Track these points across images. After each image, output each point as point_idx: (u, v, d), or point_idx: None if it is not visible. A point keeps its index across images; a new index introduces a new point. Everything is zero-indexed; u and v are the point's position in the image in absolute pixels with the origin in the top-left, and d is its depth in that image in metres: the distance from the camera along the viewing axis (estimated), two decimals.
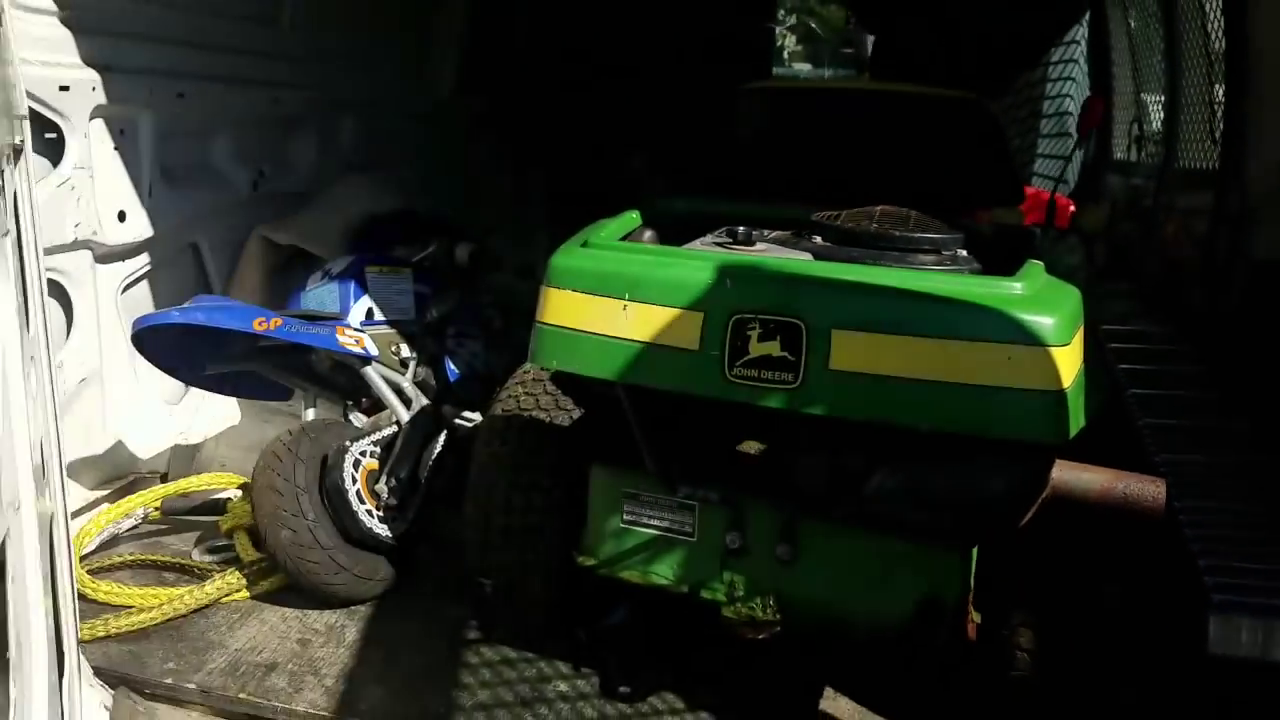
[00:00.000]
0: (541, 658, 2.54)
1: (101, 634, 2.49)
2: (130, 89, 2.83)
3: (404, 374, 3.07)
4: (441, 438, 3.03)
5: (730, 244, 2.28)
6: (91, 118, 2.73)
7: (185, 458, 3.25)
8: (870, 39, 4.79)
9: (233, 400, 3.48)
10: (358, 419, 3.16)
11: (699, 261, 2.08)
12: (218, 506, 3.07)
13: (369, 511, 2.72)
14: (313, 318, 2.93)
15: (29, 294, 1.67)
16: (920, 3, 5.75)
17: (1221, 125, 4.29)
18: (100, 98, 2.73)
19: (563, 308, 2.13)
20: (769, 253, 2.23)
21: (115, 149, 2.84)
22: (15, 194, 1.62)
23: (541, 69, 6.15)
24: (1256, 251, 3.81)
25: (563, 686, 2.43)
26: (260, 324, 2.68)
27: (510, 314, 3.68)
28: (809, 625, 2.21)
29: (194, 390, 3.30)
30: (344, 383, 3.17)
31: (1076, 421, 1.86)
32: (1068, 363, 1.86)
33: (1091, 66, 6.58)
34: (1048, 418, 1.84)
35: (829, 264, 2.07)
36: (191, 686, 2.35)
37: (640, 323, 2.04)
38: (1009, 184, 3.04)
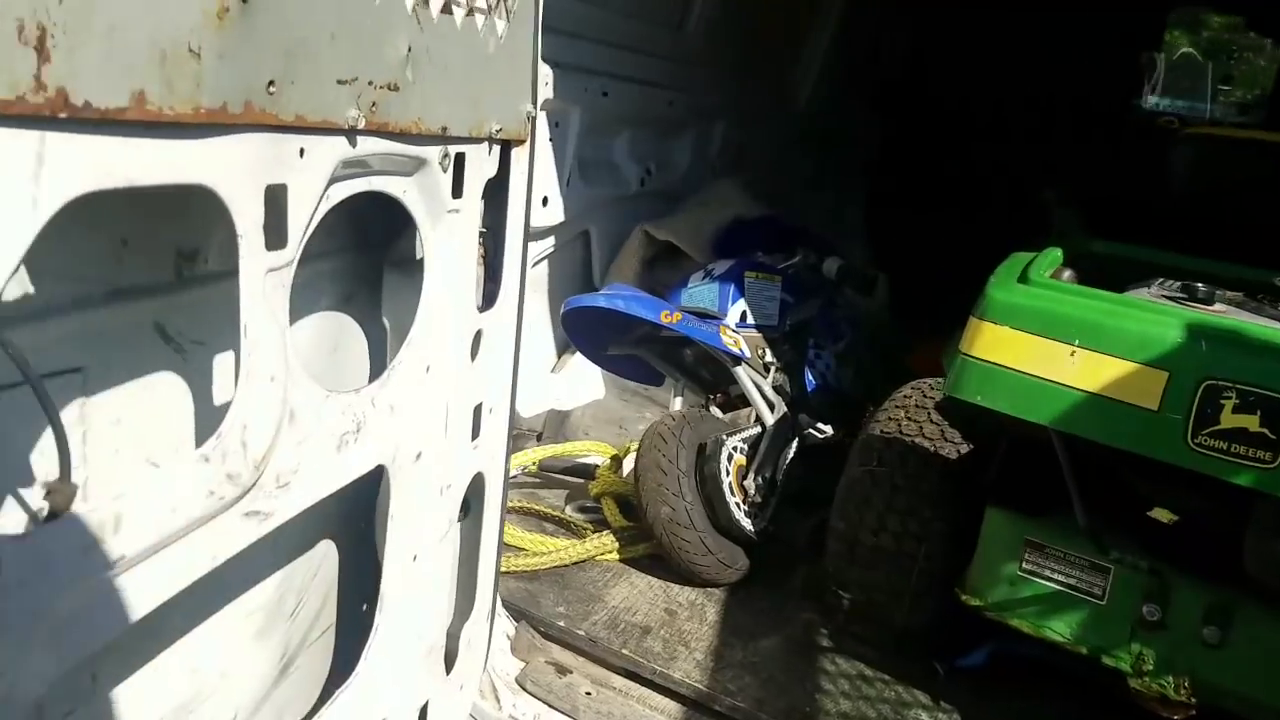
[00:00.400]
0: (899, 682, 2.54)
1: (502, 570, 2.78)
2: (571, 85, 3.10)
3: (766, 378, 3.17)
4: (794, 445, 3.10)
5: (1186, 300, 2.13)
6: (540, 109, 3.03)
7: (557, 422, 3.56)
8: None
9: (599, 377, 3.76)
10: (716, 412, 3.30)
11: (1164, 316, 1.96)
12: (587, 470, 3.34)
13: (737, 504, 2.84)
14: (702, 315, 3.09)
15: (505, 277, 1.87)
16: None
17: None
18: (549, 92, 3.02)
19: (998, 343, 2.09)
20: (1230, 314, 2.07)
21: (550, 140, 3.13)
22: (510, 181, 1.82)
23: (901, 96, 6.05)
24: None
25: (924, 717, 2.42)
26: (666, 316, 2.87)
27: (860, 331, 3.69)
28: (1226, 713, 2.05)
29: (571, 363, 3.59)
30: (708, 377, 3.32)
31: None
32: None
33: None
34: None
35: None
36: (581, 633, 2.57)
37: (1088, 371, 1.97)
38: None
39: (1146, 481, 2.12)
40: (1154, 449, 1.91)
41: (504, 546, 2.86)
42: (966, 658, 2.63)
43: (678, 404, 3.27)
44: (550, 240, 3.44)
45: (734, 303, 3.20)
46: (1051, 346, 2.02)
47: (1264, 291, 2.23)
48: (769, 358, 3.22)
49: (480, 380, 1.87)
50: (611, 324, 3.00)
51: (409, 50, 1.35)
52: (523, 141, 1.85)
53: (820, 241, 3.75)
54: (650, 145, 3.91)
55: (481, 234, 1.79)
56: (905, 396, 2.73)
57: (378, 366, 1.96)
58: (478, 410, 1.88)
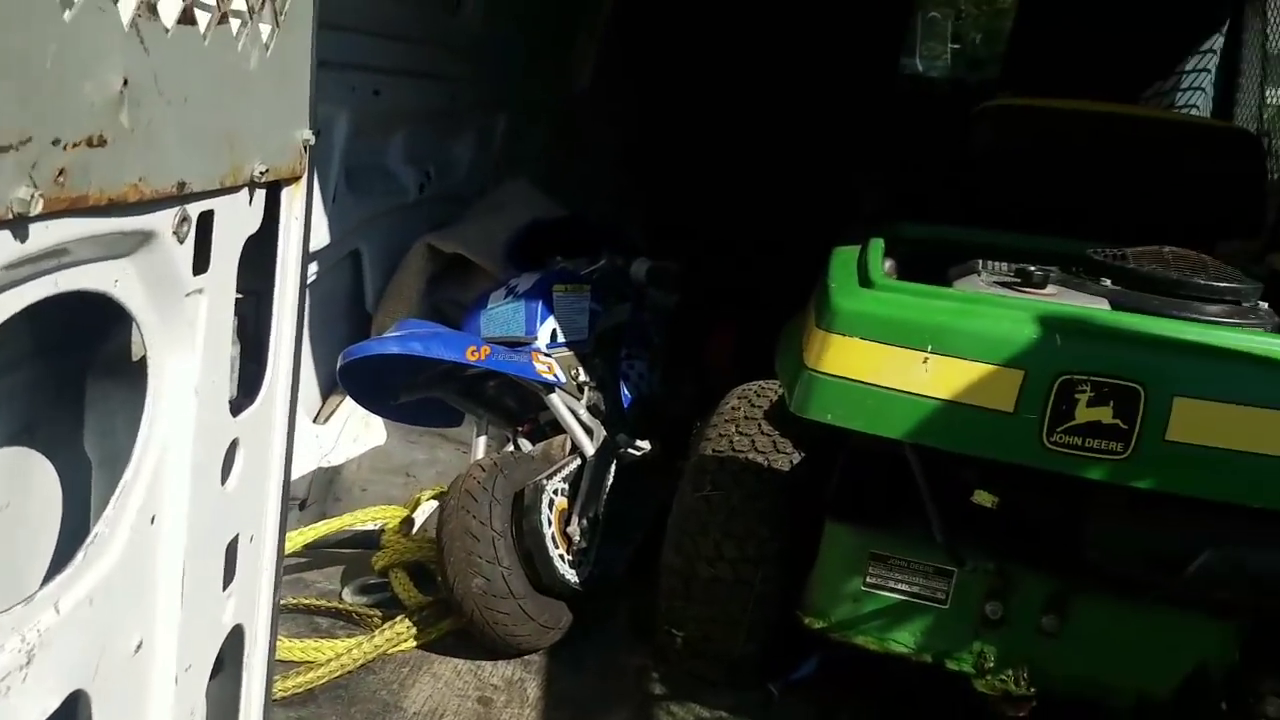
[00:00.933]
0: (734, 716, 2.40)
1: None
2: (336, 86, 2.67)
3: (580, 400, 2.93)
4: (613, 470, 2.89)
5: (1019, 285, 2.15)
6: None
7: (325, 482, 3.08)
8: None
9: (377, 420, 3.31)
10: (525, 445, 3.01)
11: (1015, 311, 1.96)
12: (367, 538, 2.90)
13: (561, 556, 2.56)
14: (510, 343, 2.79)
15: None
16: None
17: None
18: None
19: (847, 356, 2.01)
20: (1063, 296, 2.11)
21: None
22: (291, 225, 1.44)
23: (671, 68, 5.93)
24: None
25: None
26: (473, 353, 2.54)
27: (669, 333, 3.55)
28: (1066, 697, 2.10)
29: (341, 408, 3.13)
30: (513, 406, 3.02)
31: None
32: None
33: (1218, 80, 6.48)
34: None
35: (1173, 322, 1.95)
36: None
37: (941, 378, 1.93)
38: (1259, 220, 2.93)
39: (989, 484, 2.13)
40: (1010, 452, 1.90)
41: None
42: (796, 672, 2.55)
43: (481, 444, 2.93)
44: (312, 267, 2.97)
45: (543, 322, 2.91)
46: (903, 355, 1.96)
47: (1078, 264, 2.28)
48: (582, 377, 2.96)
49: (235, 508, 1.40)
50: (400, 368, 2.62)
51: (124, 85, 0.93)
52: (297, 178, 1.45)
53: (623, 240, 3.54)
54: (429, 146, 3.50)
55: (238, 299, 1.38)
56: (733, 409, 2.61)
57: (74, 519, 1.43)
58: (232, 548, 1.41)
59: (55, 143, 0.85)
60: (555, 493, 2.62)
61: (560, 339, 2.91)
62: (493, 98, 3.86)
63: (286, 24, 1.28)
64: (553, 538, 2.54)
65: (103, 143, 0.91)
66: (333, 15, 2.69)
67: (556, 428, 2.90)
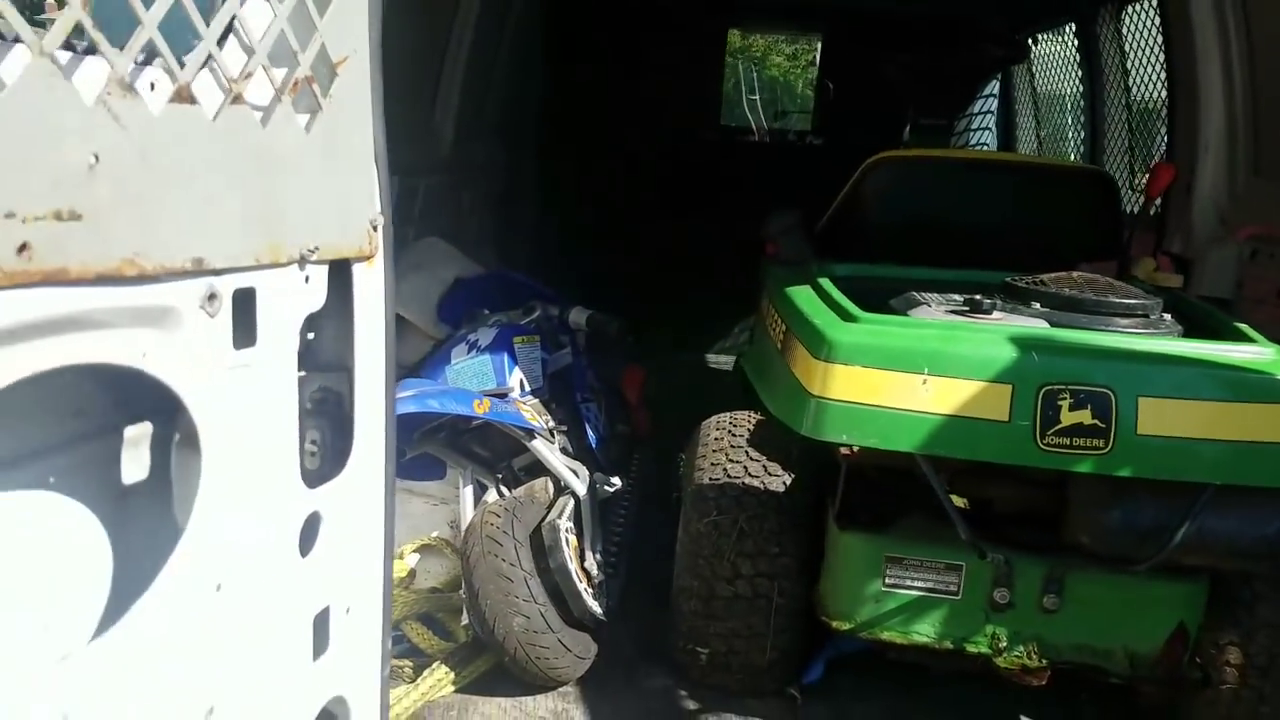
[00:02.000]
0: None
1: None
2: None
3: (554, 443, 3.03)
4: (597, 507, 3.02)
5: (970, 313, 2.43)
6: None
7: None
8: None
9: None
10: (506, 492, 3.08)
11: (992, 335, 2.23)
12: None
13: (585, 590, 2.67)
14: (500, 394, 2.86)
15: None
16: (866, 58, 6.28)
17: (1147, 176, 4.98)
18: None
19: (851, 382, 2.22)
20: (1007, 321, 2.41)
21: None
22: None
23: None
24: (1197, 289, 4.46)
25: None
26: (478, 406, 2.61)
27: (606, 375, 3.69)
28: (1072, 666, 2.39)
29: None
30: (488, 455, 3.09)
31: None
32: None
33: (1000, 120, 7.36)
34: None
35: (1127, 336, 2.28)
36: None
37: (941, 395, 2.17)
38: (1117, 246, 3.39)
39: (984, 484, 2.40)
40: (1012, 455, 2.16)
41: None
42: (808, 674, 2.77)
43: (469, 493, 2.98)
44: None
45: (511, 373, 3.01)
46: (903, 378, 2.19)
47: (1001, 292, 2.60)
48: (550, 422, 3.08)
49: (321, 579, 1.43)
50: (402, 425, 2.64)
51: (95, 160, 0.95)
52: (367, 257, 1.50)
53: (544, 292, 3.67)
54: None
55: (317, 375, 1.43)
56: (717, 439, 2.78)
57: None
58: (322, 619, 1.45)
59: (9, 216, 0.87)
60: (568, 531, 2.72)
61: (527, 388, 3.02)
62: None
63: (335, 105, 1.33)
64: (576, 573, 2.65)
65: (75, 217, 0.94)
66: None
67: (531, 472, 2.99)
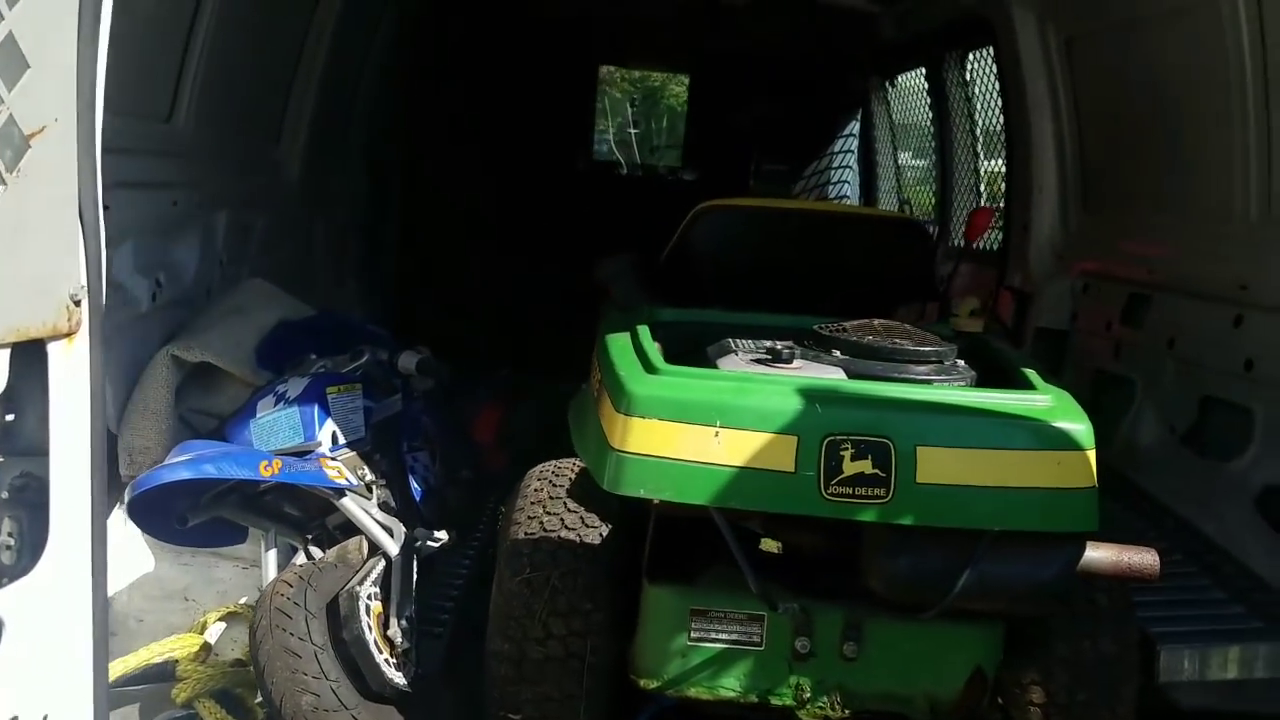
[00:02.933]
0: None
1: None
2: None
3: (371, 499, 2.97)
4: (415, 565, 2.95)
5: (772, 362, 2.48)
6: None
7: None
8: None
9: (139, 542, 3.13)
10: (316, 553, 2.99)
11: (781, 386, 2.28)
12: (160, 671, 2.76)
13: (387, 660, 2.59)
14: (296, 453, 2.77)
15: None
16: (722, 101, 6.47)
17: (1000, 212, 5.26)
18: None
19: (648, 436, 2.24)
20: (806, 370, 2.47)
21: None
22: None
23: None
24: (1036, 321, 4.72)
25: None
26: (265, 468, 2.52)
27: (438, 423, 3.64)
28: (873, 713, 2.43)
29: None
30: (298, 514, 2.99)
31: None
32: (1094, 460, 2.26)
33: (860, 159, 7.69)
34: (1090, 509, 2.23)
35: (905, 386, 2.35)
36: None
37: (732, 448, 2.20)
38: (933, 289, 3.55)
39: (790, 531, 2.43)
40: (796, 505, 2.20)
41: None
42: None
43: (272, 557, 2.88)
44: None
45: (322, 426, 2.93)
46: (697, 431, 2.22)
47: (808, 338, 2.67)
48: (369, 476, 3.00)
49: (4, 685, 1.34)
50: (186, 491, 2.55)
51: None
52: (68, 335, 1.44)
53: (375, 333, 3.60)
54: (156, 253, 3.39)
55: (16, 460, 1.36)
56: (535, 490, 2.76)
57: None
58: None
59: None
60: (370, 597, 2.65)
61: (341, 441, 2.94)
62: (213, 198, 3.85)
63: (23, 182, 1.28)
64: (375, 643, 2.57)
65: None
66: None
67: (346, 531, 2.92)
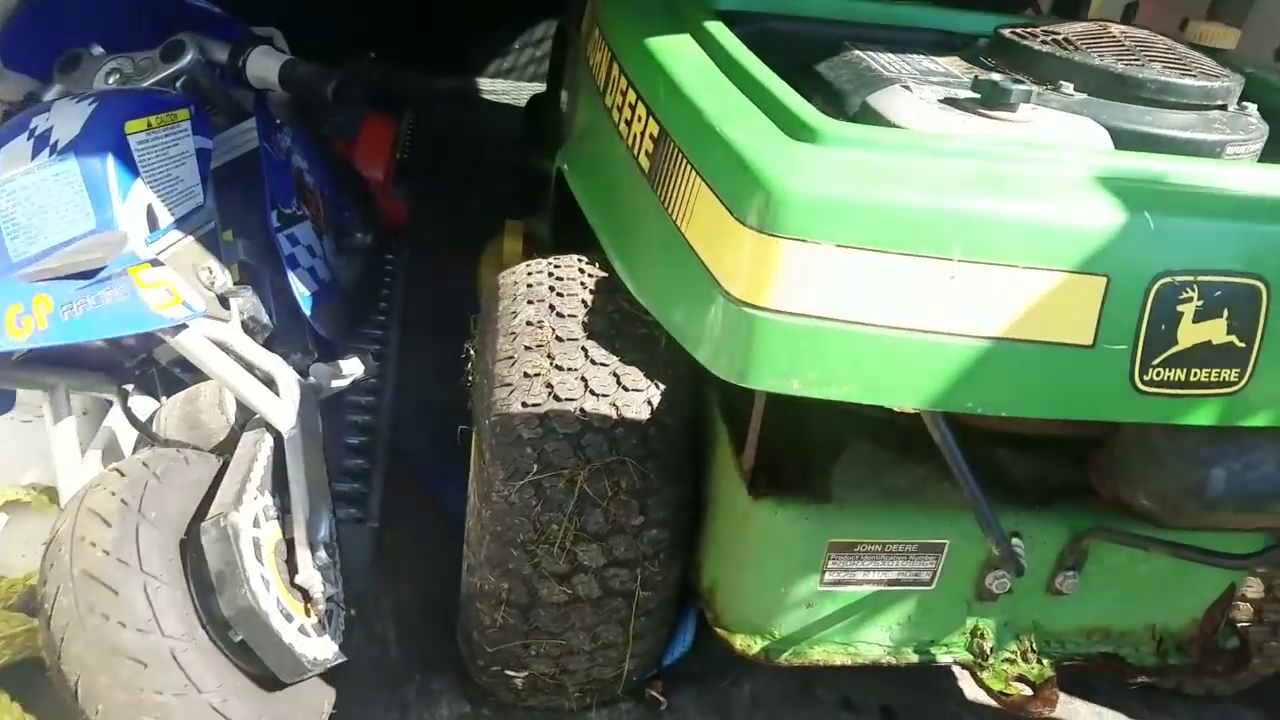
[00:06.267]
0: None
1: None
2: None
3: (232, 323, 1.78)
4: (319, 424, 1.86)
5: (981, 108, 1.40)
6: None
7: None
8: None
9: None
10: (143, 405, 1.84)
11: (1054, 170, 1.24)
12: None
13: (302, 629, 1.57)
14: (83, 260, 1.50)
15: None
16: None
17: None
18: None
19: (822, 279, 1.18)
20: (1041, 124, 1.40)
21: None
22: None
23: None
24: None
25: None
26: (16, 325, 1.30)
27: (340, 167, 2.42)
28: (1078, 658, 1.68)
29: None
30: (106, 354, 1.80)
31: None
32: None
33: None
34: None
35: (1200, 162, 1.35)
36: None
37: (980, 302, 1.19)
38: None
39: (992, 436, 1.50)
40: (1091, 409, 1.26)
41: None
42: (672, 651, 1.94)
43: (63, 430, 1.71)
44: None
45: (126, 197, 1.62)
46: (919, 267, 1.18)
47: (991, 54, 1.65)
48: (219, 278, 1.78)
49: None
50: None
51: None
52: None
53: (209, 11, 2.16)
54: None
55: None
56: (529, 322, 1.69)
57: None
58: None
59: None
60: (256, 525, 1.57)
61: (163, 222, 1.68)
62: None
63: None
64: (281, 608, 1.54)
65: None
66: None
67: (188, 364, 1.75)
